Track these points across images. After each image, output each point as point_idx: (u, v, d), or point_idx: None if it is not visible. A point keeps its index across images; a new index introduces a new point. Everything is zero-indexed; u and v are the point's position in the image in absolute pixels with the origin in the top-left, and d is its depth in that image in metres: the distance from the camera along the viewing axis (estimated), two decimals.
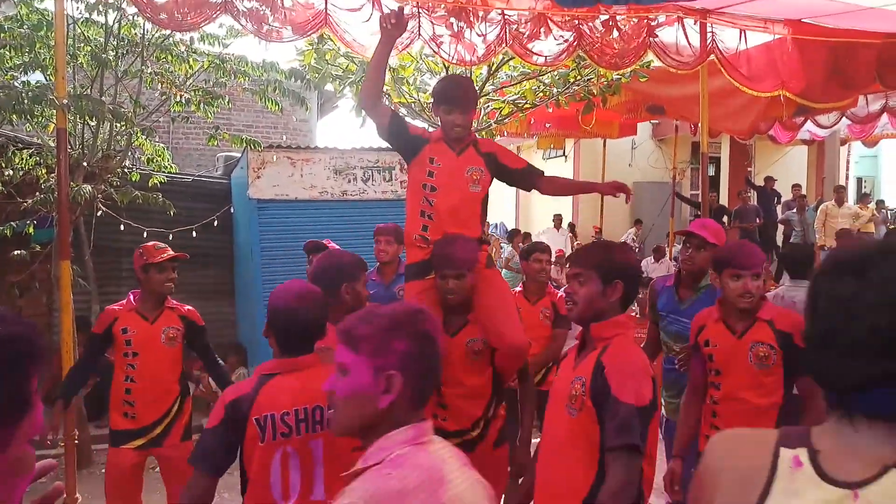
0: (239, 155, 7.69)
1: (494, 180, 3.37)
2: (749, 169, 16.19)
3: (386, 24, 3.27)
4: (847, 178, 15.59)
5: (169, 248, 3.81)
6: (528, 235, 12.15)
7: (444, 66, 6.61)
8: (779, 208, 13.58)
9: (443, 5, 5.26)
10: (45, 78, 5.45)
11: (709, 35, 6.10)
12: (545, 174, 3.48)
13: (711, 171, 16.00)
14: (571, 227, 14.65)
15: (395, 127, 3.32)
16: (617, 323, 2.35)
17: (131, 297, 3.84)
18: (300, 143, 10.11)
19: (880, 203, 14.68)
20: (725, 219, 12.99)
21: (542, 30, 5.60)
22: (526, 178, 3.47)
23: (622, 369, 2.20)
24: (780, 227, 13.25)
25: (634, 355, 2.31)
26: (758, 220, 12.72)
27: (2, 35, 5.14)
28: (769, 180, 13.77)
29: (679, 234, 5.01)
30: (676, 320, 3.64)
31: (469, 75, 6.93)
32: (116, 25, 5.55)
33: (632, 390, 2.16)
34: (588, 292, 2.35)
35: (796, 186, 13.87)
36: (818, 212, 11.77)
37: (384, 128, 3.31)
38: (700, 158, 7.19)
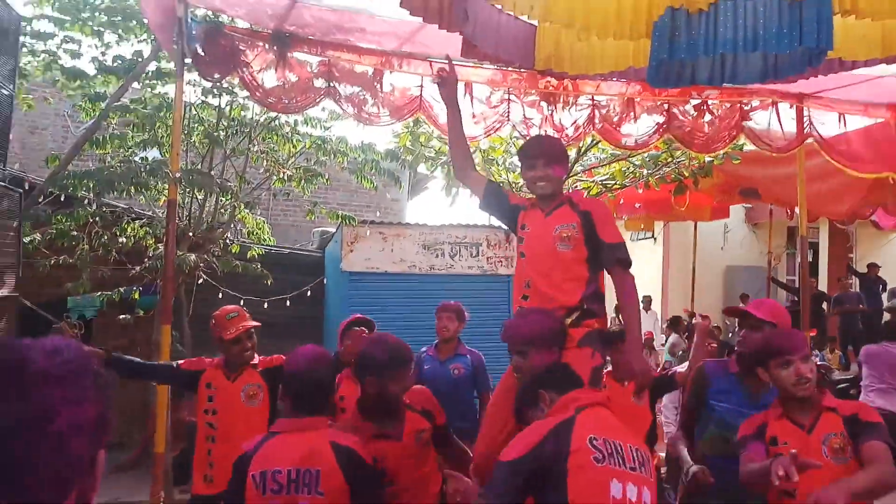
0: (333, 230, 7.99)
1: None
2: (850, 255, 15.53)
3: (439, 82, 3.37)
4: None
5: (245, 315, 3.73)
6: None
7: None
8: (884, 296, 12.89)
9: (534, 90, 5.41)
10: (161, 155, 5.87)
11: (805, 119, 6.03)
12: (624, 274, 3.03)
13: (809, 257, 15.42)
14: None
15: (491, 196, 3.28)
16: None
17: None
18: (392, 220, 10.43)
19: None
20: (825, 305, 12.42)
21: (632, 113, 5.67)
22: (606, 258, 3.02)
23: None
24: (886, 316, 12.54)
25: None
26: (861, 307, 12.11)
27: (127, 115, 5.59)
28: (873, 267, 13.14)
29: (729, 314, 4.65)
30: (742, 413, 3.01)
31: None
32: (228, 108, 5.96)
33: None
34: None
35: None
36: None
37: (480, 197, 3.30)
38: (798, 242, 6.96)
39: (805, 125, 6.03)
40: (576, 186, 7.31)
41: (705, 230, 13.36)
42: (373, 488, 2.39)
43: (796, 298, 13.58)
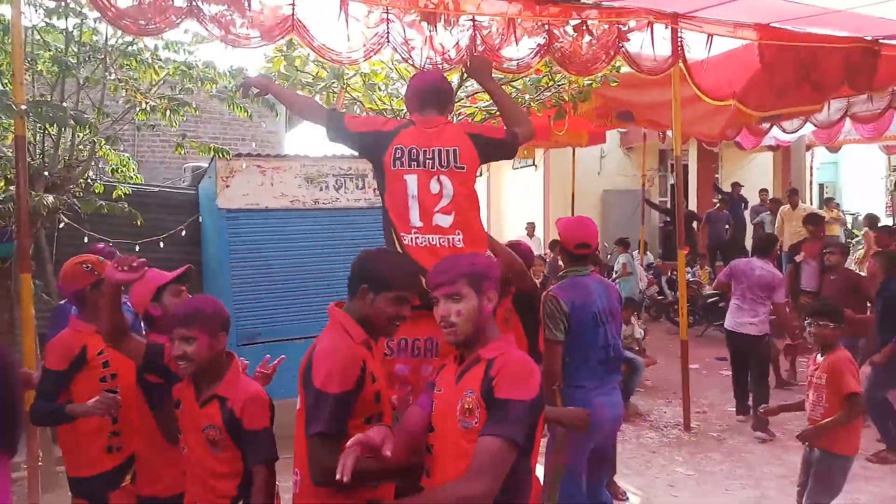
0: (206, 165, 7.54)
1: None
2: (716, 175, 16.41)
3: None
4: (810, 183, 15.88)
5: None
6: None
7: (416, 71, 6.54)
8: (745, 213, 13.77)
9: (414, 10, 5.19)
10: (2, 85, 5.26)
11: (679, 41, 6.14)
12: None
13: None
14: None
15: (333, 131, 3.26)
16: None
17: None
18: (270, 153, 9.99)
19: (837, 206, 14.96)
20: (695, 224, 13.10)
21: (514, 35, 5.58)
22: None
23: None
24: (750, 231, 13.41)
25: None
26: (727, 227, 12.88)
27: None
28: (736, 186, 13.97)
29: None
30: None
31: None
32: (77, 31, 5.38)
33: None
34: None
35: (763, 191, 14.12)
36: (777, 215, 11.98)
37: (325, 127, 3.26)
38: (675, 163, 7.20)
39: (679, 47, 6.14)
40: (460, 114, 7.19)
41: (582, 156, 13.69)
42: None
43: (669, 219, 14.27)
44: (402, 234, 3.04)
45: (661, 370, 8.32)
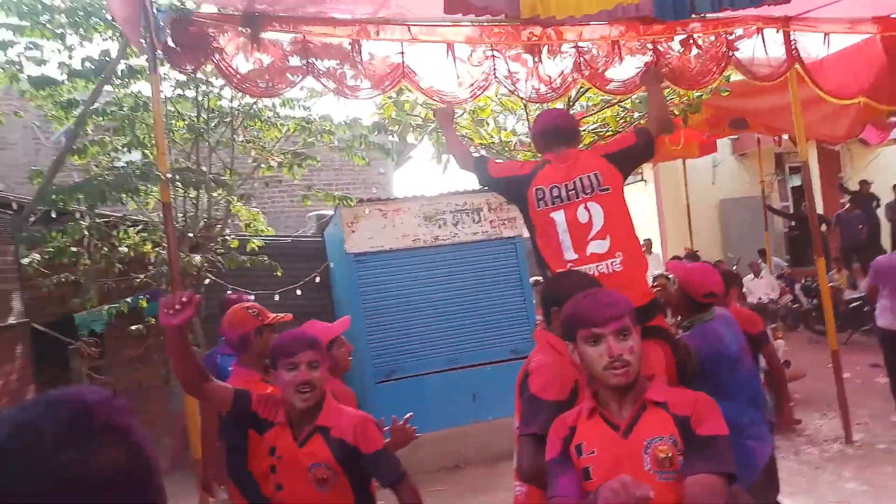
0: (328, 212, 7.87)
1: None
2: (840, 175, 15.55)
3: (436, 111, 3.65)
4: None
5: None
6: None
7: (523, 103, 6.63)
8: (879, 212, 12.94)
9: (516, 44, 5.28)
10: (143, 156, 5.72)
11: (792, 43, 5.92)
12: None
13: (798, 181, 15.43)
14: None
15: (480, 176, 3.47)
16: None
17: None
18: (381, 195, 10.29)
19: None
20: (824, 227, 12.44)
21: (617, 57, 5.55)
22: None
23: None
24: (887, 228, 12.63)
25: None
26: (861, 227, 12.18)
27: (104, 119, 5.44)
28: (864, 184, 13.17)
29: None
30: None
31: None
32: (205, 99, 5.80)
33: None
34: None
35: None
36: None
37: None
38: (803, 168, 6.90)
39: (793, 50, 5.93)
40: None
41: (694, 166, 13.32)
42: None
43: (794, 223, 13.63)
44: (558, 271, 3.02)
45: (810, 382, 7.87)
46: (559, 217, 3.03)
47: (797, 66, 5.94)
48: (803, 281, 11.45)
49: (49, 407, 0.91)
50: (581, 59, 5.43)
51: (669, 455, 1.88)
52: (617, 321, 1.98)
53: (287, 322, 3.57)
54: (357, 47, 4.88)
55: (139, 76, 5.44)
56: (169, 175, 4.60)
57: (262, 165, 6.15)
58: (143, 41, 4.44)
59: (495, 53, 5.26)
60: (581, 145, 6.07)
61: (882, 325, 6.34)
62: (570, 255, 3.01)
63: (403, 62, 5.01)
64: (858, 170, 15.00)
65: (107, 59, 5.24)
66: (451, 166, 7.85)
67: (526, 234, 8.27)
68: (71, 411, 0.90)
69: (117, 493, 0.89)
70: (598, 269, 2.95)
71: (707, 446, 1.88)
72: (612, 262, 2.95)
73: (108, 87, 5.61)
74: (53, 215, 5.10)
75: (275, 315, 3.50)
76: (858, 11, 5.79)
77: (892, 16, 5.91)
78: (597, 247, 2.98)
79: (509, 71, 5.35)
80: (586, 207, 3.00)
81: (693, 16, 4.76)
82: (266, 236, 6.44)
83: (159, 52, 4.48)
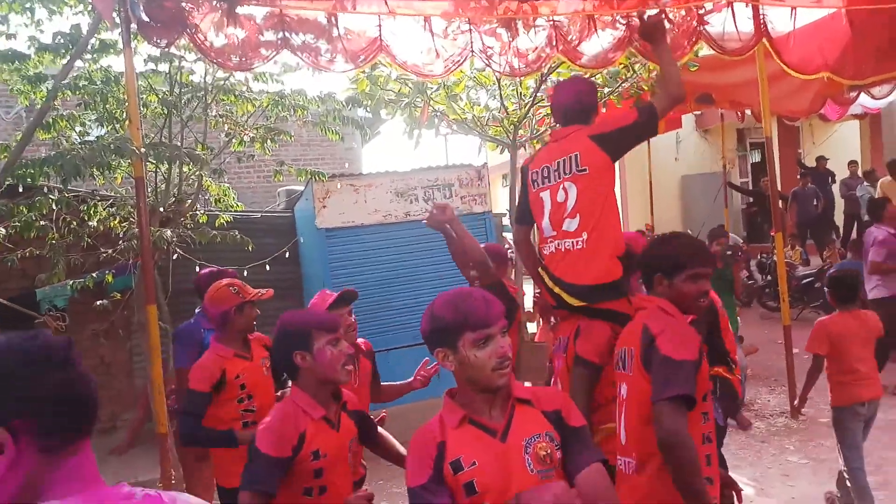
0: (297, 188, 7.79)
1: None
2: (798, 150, 15.85)
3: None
4: None
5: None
6: None
7: (496, 78, 6.63)
8: (834, 188, 13.23)
9: (492, 18, 5.27)
10: (114, 131, 5.59)
11: (761, 17, 6.00)
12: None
13: (758, 157, 15.70)
14: None
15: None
16: None
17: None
18: (350, 171, 10.22)
19: None
20: (781, 203, 12.68)
21: (592, 31, 5.57)
22: None
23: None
24: (840, 205, 12.92)
25: None
26: (816, 203, 12.44)
27: (76, 94, 5.31)
28: (821, 160, 13.44)
29: None
30: None
31: (518, 86, 6.94)
32: (178, 73, 5.68)
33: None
34: None
35: (853, 163, 13.41)
36: (877, 188, 11.40)
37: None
38: (766, 143, 7.04)
39: (762, 24, 6.01)
40: (540, 113, 7.23)
41: (657, 142, 13.43)
42: None
43: (752, 200, 13.87)
44: (542, 246, 3.26)
45: (761, 357, 8.11)
46: (546, 196, 3.22)
47: (765, 40, 6.04)
48: (759, 257, 11.69)
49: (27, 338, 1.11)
50: (556, 33, 5.45)
51: (549, 452, 1.82)
52: (502, 318, 1.86)
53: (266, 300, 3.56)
54: (334, 20, 4.83)
55: (111, 50, 5.30)
56: (143, 150, 4.50)
57: (234, 140, 6.04)
58: (116, 14, 4.33)
59: (472, 28, 5.26)
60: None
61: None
62: (550, 231, 3.19)
63: (381, 35, 4.97)
64: (818, 145, 15.29)
65: (78, 33, 5.09)
66: (423, 141, 7.85)
67: (496, 210, 8.29)
68: (46, 343, 1.11)
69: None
70: (564, 246, 3.11)
71: (583, 437, 1.89)
72: (576, 241, 3.07)
73: (77, 63, 5.46)
74: (20, 189, 4.97)
75: (256, 291, 3.53)
76: None
77: None
78: (568, 224, 3.11)
79: (484, 45, 5.36)
80: (563, 188, 3.14)
81: None
82: (237, 212, 6.36)
83: (133, 26, 4.40)
